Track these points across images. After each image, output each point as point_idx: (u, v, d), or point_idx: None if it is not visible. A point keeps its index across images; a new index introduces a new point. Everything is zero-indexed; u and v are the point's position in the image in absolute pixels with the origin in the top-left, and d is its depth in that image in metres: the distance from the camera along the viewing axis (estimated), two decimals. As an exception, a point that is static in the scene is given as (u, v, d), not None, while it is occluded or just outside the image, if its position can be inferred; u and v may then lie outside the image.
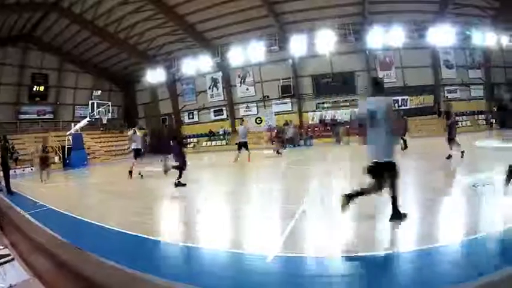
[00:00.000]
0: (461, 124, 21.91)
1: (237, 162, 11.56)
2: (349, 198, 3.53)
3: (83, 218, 4.85)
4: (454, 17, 22.51)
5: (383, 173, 3.45)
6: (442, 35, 22.58)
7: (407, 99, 22.76)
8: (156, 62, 23.92)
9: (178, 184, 6.94)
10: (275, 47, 22.58)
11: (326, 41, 21.39)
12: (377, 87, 3.75)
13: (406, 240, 3.19)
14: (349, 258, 2.81)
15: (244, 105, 22.94)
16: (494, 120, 24.29)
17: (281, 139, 16.04)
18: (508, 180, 3.85)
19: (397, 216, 3.47)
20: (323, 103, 22.38)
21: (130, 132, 10.46)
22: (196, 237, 3.84)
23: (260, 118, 22.05)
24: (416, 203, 4.60)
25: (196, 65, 22.79)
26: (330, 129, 21.33)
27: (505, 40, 24.20)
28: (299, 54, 21.82)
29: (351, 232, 3.56)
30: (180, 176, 7.02)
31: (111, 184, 9.89)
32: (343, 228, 3.66)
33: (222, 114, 23.09)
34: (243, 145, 11.80)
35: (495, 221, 3.45)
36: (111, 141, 24.65)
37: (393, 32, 21.89)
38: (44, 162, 11.04)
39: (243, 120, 13.43)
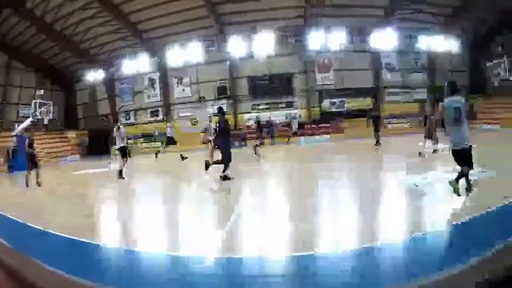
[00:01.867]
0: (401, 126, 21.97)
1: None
2: (457, 181, 4.13)
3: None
4: (398, 22, 22.52)
5: (467, 158, 4.14)
6: (385, 39, 22.55)
7: (344, 101, 22.58)
8: (96, 60, 23.73)
9: (224, 178, 6.81)
10: (213, 48, 22.52)
11: (265, 42, 21.34)
12: (454, 89, 4.43)
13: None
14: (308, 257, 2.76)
15: (180, 106, 22.75)
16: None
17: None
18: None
19: (470, 186, 4.19)
20: (258, 105, 22.20)
21: (114, 129, 9.12)
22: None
23: (196, 119, 21.82)
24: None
25: (135, 64, 22.56)
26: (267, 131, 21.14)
27: (453, 45, 24.38)
28: (237, 55, 21.70)
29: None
30: (224, 170, 6.87)
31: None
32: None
33: (158, 116, 22.86)
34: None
35: (438, 221, 3.54)
36: (51, 143, 24.36)
37: (334, 35, 21.87)
38: (32, 161, 8.86)
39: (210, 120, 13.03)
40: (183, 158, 12.34)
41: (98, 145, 23.30)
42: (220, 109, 7.33)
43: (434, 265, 2.34)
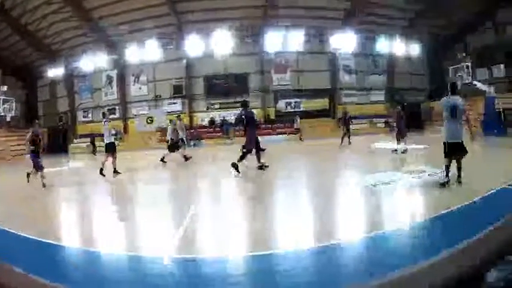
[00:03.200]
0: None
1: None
2: (447, 173, 4.71)
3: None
4: (358, 25, 22.75)
5: (460, 149, 4.62)
6: (344, 41, 22.77)
7: (300, 101, 22.82)
8: (58, 56, 23.76)
9: (260, 167, 7.42)
10: (171, 46, 22.64)
11: (222, 42, 21.51)
12: (455, 89, 4.95)
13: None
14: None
15: (137, 104, 22.89)
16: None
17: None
18: None
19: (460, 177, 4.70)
20: (213, 104, 22.39)
21: (106, 125, 8.68)
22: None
23: (151, 118, 21.99)
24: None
25: (94, 61, 22.64)
26: (220, 129, 21.37)
27: (414, 48, 24.69)
28: (194, 54, 21.85)
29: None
30: (241, 159, 7.14)
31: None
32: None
33: (115, 114, 22.93)
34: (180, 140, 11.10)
35: (392, 219, 3.65)
36: (13, 141, 24.24)
37: (292, 37, 22.08)
38: (35, 158, 7.35)
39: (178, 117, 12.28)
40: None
41: (57, 143, 23.32)
42: (245, 103, 7.83)
43: (393, 264, 2.34)
